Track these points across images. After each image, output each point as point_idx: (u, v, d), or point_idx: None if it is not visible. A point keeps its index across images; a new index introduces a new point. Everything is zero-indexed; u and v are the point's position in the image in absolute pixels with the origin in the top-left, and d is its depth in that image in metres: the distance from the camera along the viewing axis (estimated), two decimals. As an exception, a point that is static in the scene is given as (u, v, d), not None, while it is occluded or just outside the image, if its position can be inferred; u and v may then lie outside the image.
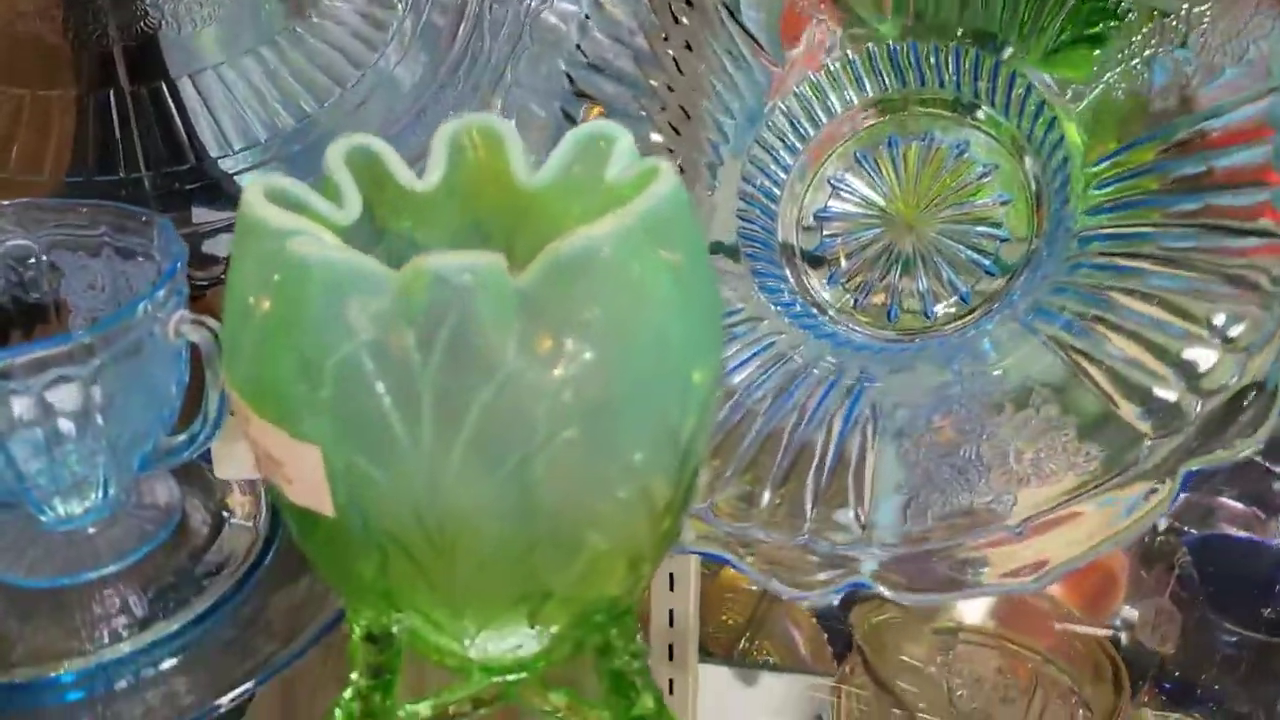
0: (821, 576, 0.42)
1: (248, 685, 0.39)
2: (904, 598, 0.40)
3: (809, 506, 0.44)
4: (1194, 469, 0.38)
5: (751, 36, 0.52)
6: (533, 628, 0.32)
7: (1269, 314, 0.40)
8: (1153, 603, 0.64)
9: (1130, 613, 0.64)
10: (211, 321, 0.37)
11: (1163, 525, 0.63)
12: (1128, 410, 0.41)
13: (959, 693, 0.61)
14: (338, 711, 0.36)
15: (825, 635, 0.68)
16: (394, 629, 0.33)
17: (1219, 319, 0.41)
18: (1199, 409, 0.40)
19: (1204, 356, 0.41)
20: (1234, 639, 0.61)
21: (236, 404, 0.30)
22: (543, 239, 0.27)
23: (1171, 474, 0.38)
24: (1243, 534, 0.64)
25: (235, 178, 0.52)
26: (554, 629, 0.32)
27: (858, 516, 0.43)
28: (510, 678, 0.36)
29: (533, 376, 0.27)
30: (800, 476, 0.46)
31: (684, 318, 0.29)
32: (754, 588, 0.68)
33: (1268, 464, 0.62)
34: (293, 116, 0.53)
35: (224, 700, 0.38)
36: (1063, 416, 0.42)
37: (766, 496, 0.45)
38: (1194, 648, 0.61)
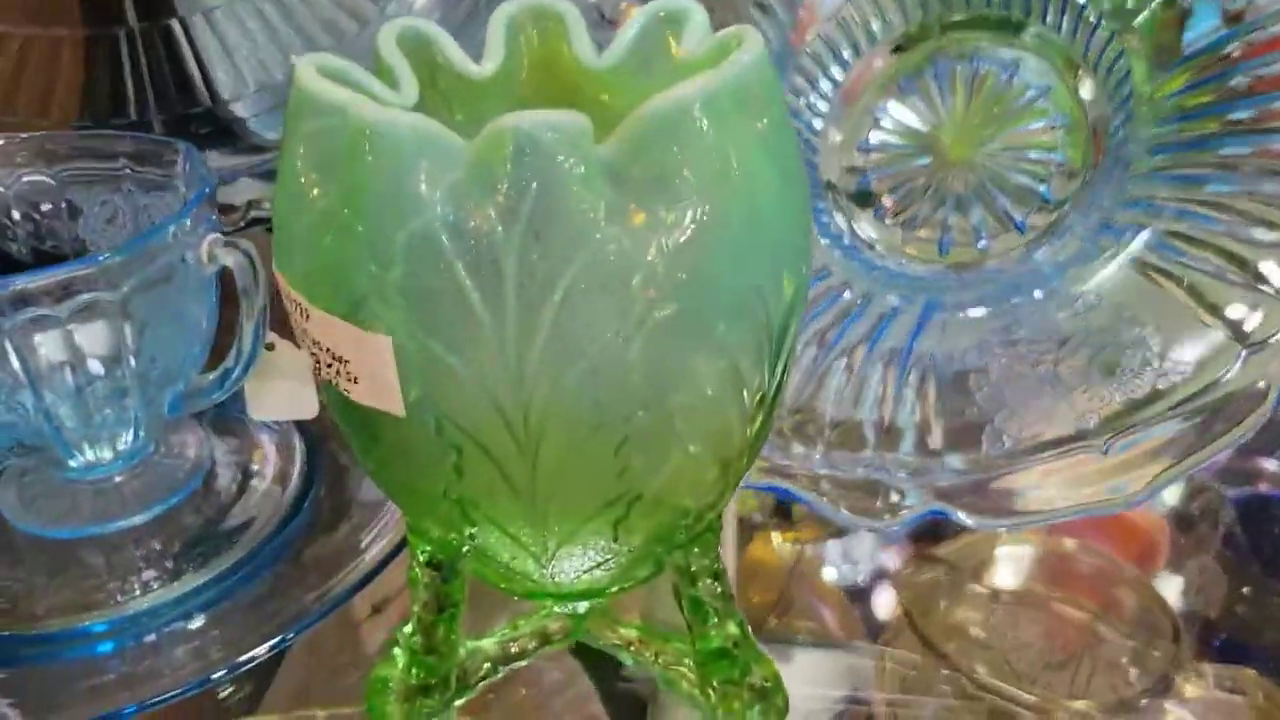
0: (890, 505, 0.39)
1: (284, 636, 0.36)
2: (985, 523, 0.38)
3: (870, 437, 0.42)
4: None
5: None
6: (616, 540, 0.29)
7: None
8: (1198, 562, 0.62)
9: (1174, 574, 0.62)
10: (246, 244, 0.34)
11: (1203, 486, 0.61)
12: (1214, 323, 0.39)
13: (1010, 654, 0.58)
14: (396, 648, 0.33)
15: (859, 609, 0.66)
16: (464, 550, 0.30)
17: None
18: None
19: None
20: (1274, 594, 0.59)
21: (293, 304, 0.28)
22: (613, 125, 0.25)
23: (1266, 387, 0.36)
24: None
25: (250, 121, 0.50)
26: (635, 543, 0.30)
27: (924, 445, 0.41)
28: (581, 607, 0.34)
29: (626, 246, 0.24)
30: (859, 412, 0.43)
31: (775, 188, 0.27)
32: (782, 562, 0.66)
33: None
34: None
35: (259, 651, 0.36)
36: (1145, 332, 0.39)
37: (826, 431, 0.43)
38: (1242, 606, 0.60)
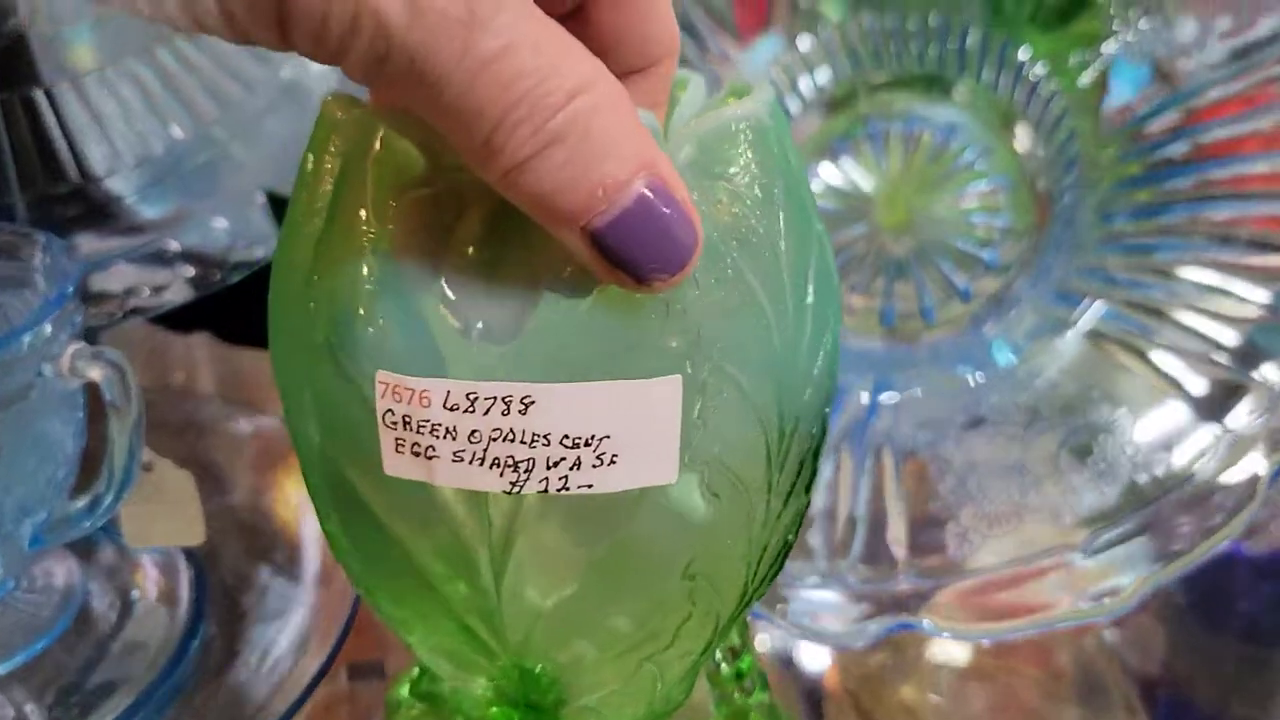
0: (857, 615, 0.36)
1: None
2: (959, 633, 0.35)
3: (831, 544, 0.39)
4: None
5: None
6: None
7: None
8: (1134, 620, 0.60)
9: (1113, 632, 0.60)
10: (113, 354, 0.30)
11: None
12: (1190, 403, 0.36)
13: (959, 731, 0.55)
14: None
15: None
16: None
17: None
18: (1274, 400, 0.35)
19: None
20: (1229, 653, 0.58)
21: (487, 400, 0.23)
22: None
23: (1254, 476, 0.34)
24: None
25: (128, 200, 0.45)
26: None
27: (888, 547, 0.38)
28: None
29: None
30: (812, 518, 0.40)
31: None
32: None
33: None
34: (192, 126, 0.46)
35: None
36: (1115, 415, 0.37)
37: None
38: (1180, 662, 0.58)
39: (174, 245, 0.43)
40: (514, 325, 0.23)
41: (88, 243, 0.44)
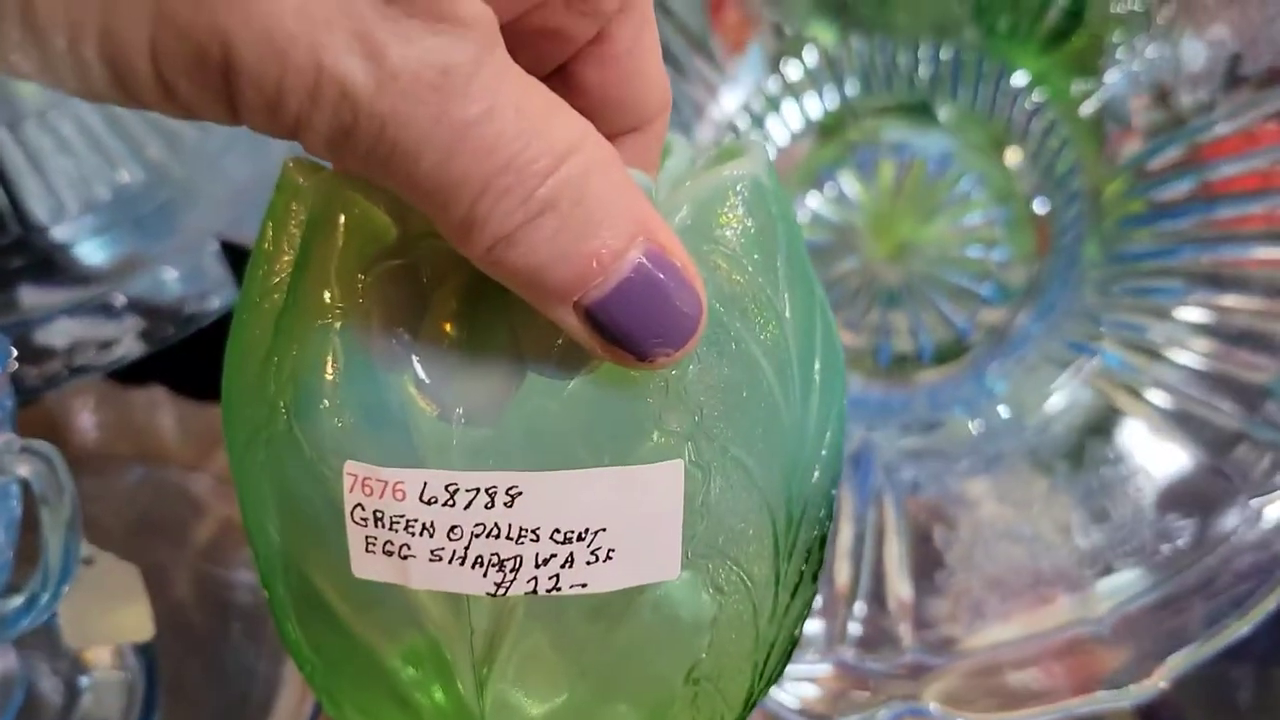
0: (857, 701, 0.33)
1: None
2: None
3: (829, 614, 0.36)
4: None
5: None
6: None
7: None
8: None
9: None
10: (45, 447, 0.27)
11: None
12: (1214, 462, 0.34)
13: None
14: None
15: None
16: None
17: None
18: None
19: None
20: (1220, 671, 0.56)
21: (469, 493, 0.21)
22: None
23: None
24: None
25: (73, 249, 0.42)
26: None
27: (893, 625, 0.35)
28: None
29: None
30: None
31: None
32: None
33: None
34: (142, 169, 0.43)
35: None
36: (1132, 476, 0.34)
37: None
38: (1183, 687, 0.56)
39: (121, 298, 0.40)
40: (496, 409, 0.20)
41: (30, 295, 0.41)
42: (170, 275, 0.40)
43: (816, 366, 0.23)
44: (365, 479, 0.21)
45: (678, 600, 0.22)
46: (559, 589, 0.21)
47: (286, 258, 0.21)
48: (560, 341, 0.20)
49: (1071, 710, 0.29)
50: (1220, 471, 0.33)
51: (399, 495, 0.21)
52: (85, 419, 0.44)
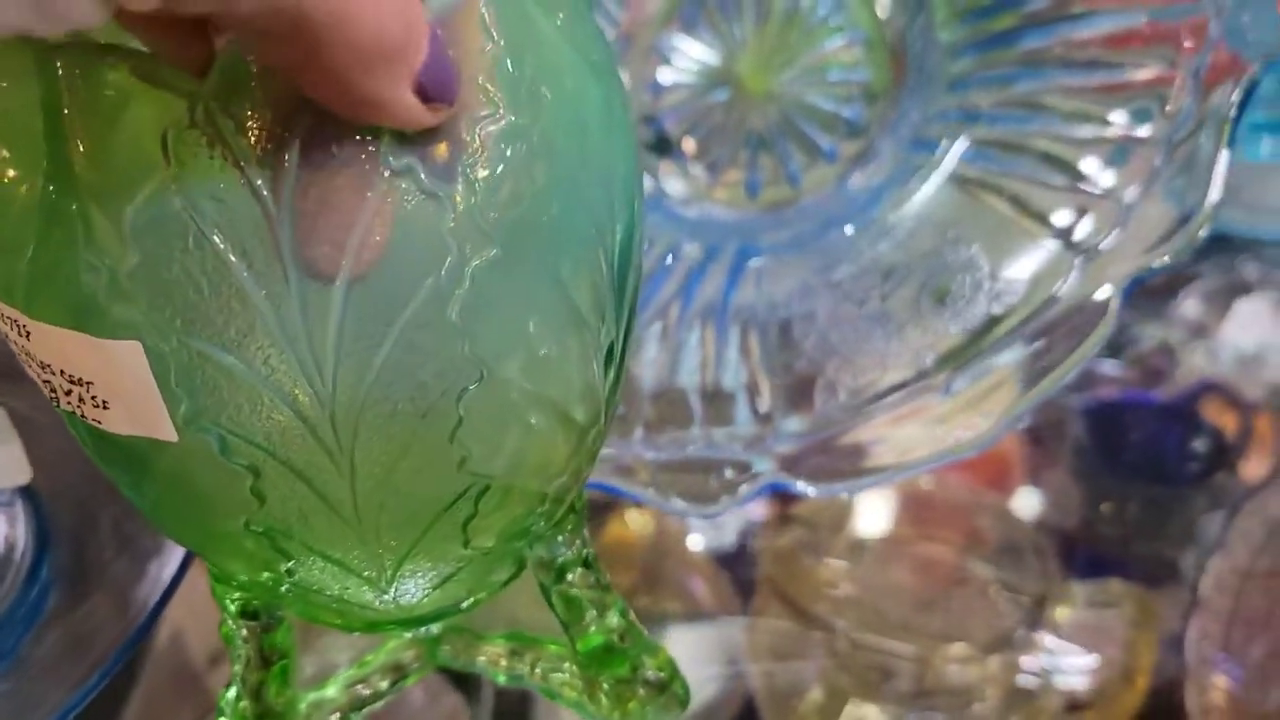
0: (724, 484, 0.35)
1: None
2: (825, 490, 0.34)
3: (696, 409, 0.38)
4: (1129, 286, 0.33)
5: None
6: (466, 545, 0.24)
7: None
8: (1052, 476, 0.61)
9: (1031, 491, 0.60)
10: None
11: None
12: (1042, 233, 0.35)
13: (880, 603, 0.56)
14: (223, 718, 0.27)
15: (728, 575, 0.63)
16: (283, 589, 0.25)
17: (1118, 117, 0.36)
18: (1118, 224, 0.34)
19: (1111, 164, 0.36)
20: (1139, 498, 0.59)
21: (6, 321, 0.21)
22: None
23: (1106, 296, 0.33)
24: (1125, 394, 0.62)
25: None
26: (489, 544, 0.25)
27: (755, 409, 0.37)
28: (435, 628, 0.29)
29: (428, 186, 0.20)
30: (678, 382, 0.39)
31: (595, 96, 0.22)
32: (642, 538, 0.62)
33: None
34: None
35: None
36: (972, 251, 0.36)
37: (647, 409, 0.39)
38: (1100, 517, 0.59)
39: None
40: None
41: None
42: None
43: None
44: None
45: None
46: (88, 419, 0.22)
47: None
48: None
49: (917, 466, 0.31)
50: (1058, 241, 0.34)
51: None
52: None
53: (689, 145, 0.45)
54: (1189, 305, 0.62)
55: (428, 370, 0.21)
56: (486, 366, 0.21)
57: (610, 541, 0.63)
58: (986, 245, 0.35)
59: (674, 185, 0.45)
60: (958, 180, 0.37)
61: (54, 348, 0.21)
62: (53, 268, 0.20)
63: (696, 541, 0.55)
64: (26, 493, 0.36)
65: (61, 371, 0.21)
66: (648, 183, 0.45)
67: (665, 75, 0.45)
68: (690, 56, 0.45)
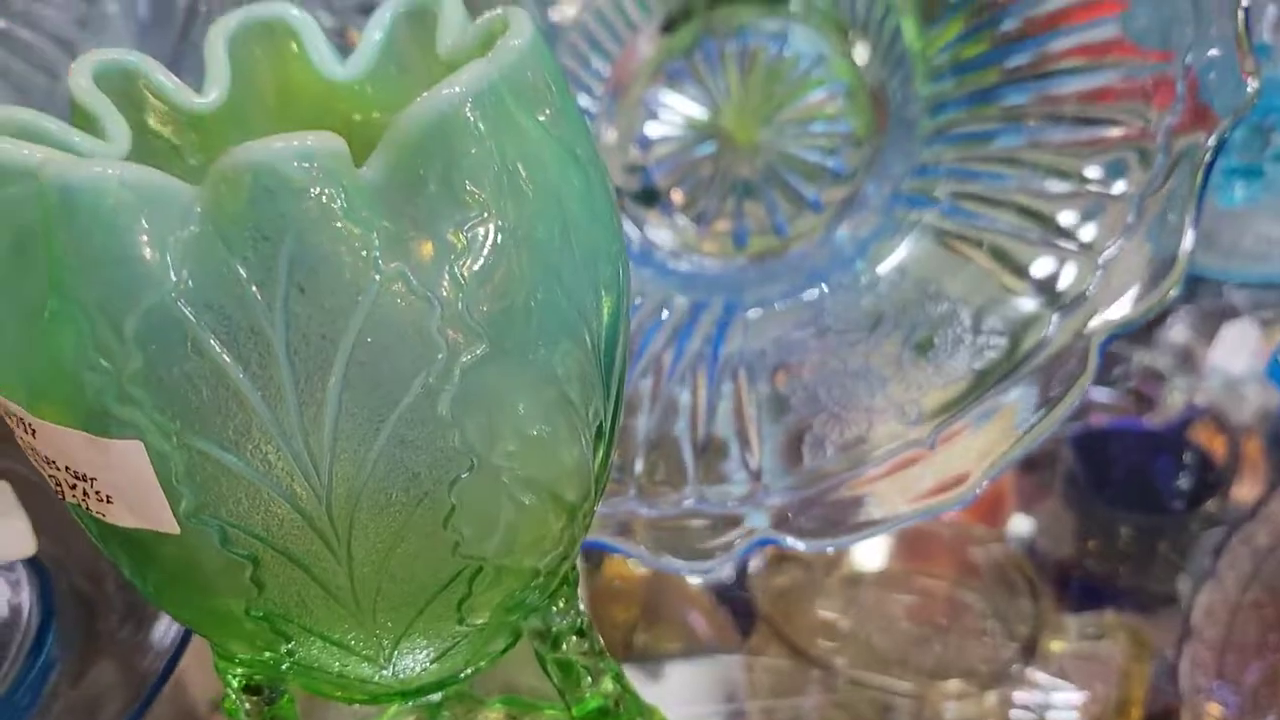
0: (718, 541, 0.36)
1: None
2: (815, 545, 0.35)
3: (689, 464, 0.39)
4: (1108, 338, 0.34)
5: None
6: (461, 622, 0.25)
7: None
8: (1044, 507, 0.61)
9: (1023, 521, 0.61)
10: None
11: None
12: (1021, 287, 0.36)
13: (875, 639, 0.56)
14: None
15: (727, 611, 0.63)
16: (284, 668, 0.25)
17: (1094, 172, 0.37)
18: (1096, 276, 0.35)
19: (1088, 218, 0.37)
20: (1130, 527, 0.59)
21: (13, 419, 0.22)
22: (369, 143, 0.21)
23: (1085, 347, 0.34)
24: (1115, 421, 0.63)
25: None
26: (484, 619, 0.25)
27: (746, 464, 0.38)
28: (435, 697, 0.30)
29: (415, 284, 0.20)
30: (672, 434, 0.40)
31: (577, 186, 0.23)
32: (641, 575, 0.62)
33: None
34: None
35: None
36: (953, 306, 0.37)
37: (639, 465, 0.39)
38: (1092, 547, 0.59)
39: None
40: None
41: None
42: None
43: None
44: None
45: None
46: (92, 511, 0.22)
47: None
48: None
49: (904, 521, 0.32)
50: (1038, 294, 0.35)
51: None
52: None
53: (677, 196, 0.45)
54: (1177, 331, 0.63)
55: (420, 462, 0.21)
56: (477, 455, 0.22)
57: (609, 578, 0.64)
58: (967, 299, 0.36)
59: (663, 236, 0.45)
60: (938, 234, 0.38)
61: (57, 445, 0.21)
62: (57, 370, 0.20)
63: (695, 578, 0.55)
64: (31, 559, 0.37)
65: (66, 468, 0.22)
66: (637, 235, 0.46)
67: (653, 129, 0.46)
68: (677, 110, 0.46)
